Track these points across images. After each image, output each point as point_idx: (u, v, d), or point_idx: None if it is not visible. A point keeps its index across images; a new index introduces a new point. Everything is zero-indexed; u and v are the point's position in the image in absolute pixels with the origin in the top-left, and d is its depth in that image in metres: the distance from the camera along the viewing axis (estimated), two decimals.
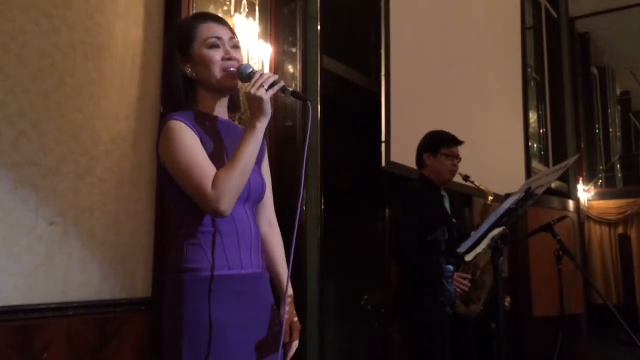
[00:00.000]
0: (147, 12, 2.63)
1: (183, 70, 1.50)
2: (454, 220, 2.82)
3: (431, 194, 2.83)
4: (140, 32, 2.59)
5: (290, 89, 1.46)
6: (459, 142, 2.86)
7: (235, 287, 1.45)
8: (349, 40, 4.15)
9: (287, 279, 1.54)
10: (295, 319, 1.59)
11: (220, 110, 1.56)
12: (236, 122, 1.69)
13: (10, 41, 2.12)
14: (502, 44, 5.89)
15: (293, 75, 3.27)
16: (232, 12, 2.97)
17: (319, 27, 3.41)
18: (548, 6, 7.76)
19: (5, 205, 2.06)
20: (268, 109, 1.42)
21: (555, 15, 7.86)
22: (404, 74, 3.96)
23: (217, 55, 1.49)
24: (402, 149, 3.82)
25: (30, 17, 2.18)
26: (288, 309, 1.55)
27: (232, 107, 1.62)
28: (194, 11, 2.73)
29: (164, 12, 2.70)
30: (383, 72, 3.77)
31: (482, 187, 2.87)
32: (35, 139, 2.16)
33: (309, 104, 1.46)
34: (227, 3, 2.97)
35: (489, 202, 2.93)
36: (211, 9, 2.86)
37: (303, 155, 3.18)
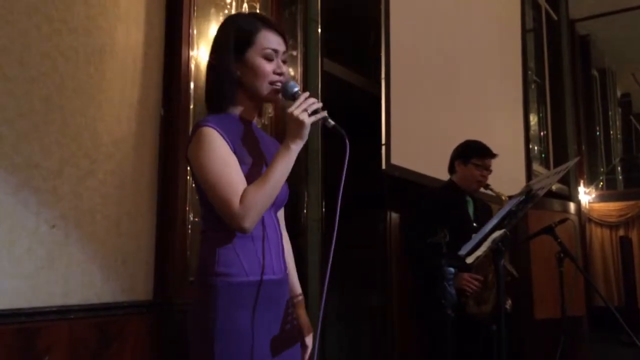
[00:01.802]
0: (148, 15, 2.63)
1: (232, 71, 1.48)
2: (475, 224, 2.83)
3: (454, 198, 2.87)
4: (141, 35, 2.59)
5: (332, 123, 1.45)
6: (492, 155, 2.90)
7: (269, 293, 1.45)
8: (349, 43, 4.15)
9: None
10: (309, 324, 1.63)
11: (252, 114, 1.57)
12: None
13: (11, 44, 2.12)
14: (502, 47, 5.90)
15: (294, 78, 3.28)
16: None
17: (319, 30, 3.42)
18: (548, 9, 7.77)
19: (6, 208, 2.06)
20: (306, 134, 1.41)
21: (555, 17, 7.86)
22: (405, 76, 3.96)
23: (269, 67, 1.48)
24: (402, 151, 3.82)
25: (31, 20, 2.19)
26: (303, 316, 1.61)
27: (259, 115, 1.63)
28: (196, 14, 2.73)
29: (165, 15, 2.70)
30: (383, 75, 3.78)
31: (501, 196, 2.91)
32: (36, 141, 2.16)
33: (347, 140, 1.44)
34: (229, 6, 2.97)
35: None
36: (212, 12, 2.87)
37: (304, 162, 3.18)
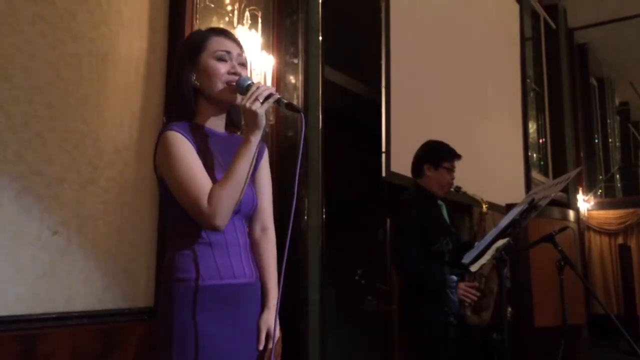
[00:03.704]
0: (151, 23, 2.65)
1: (189, 78, 1.52)
2: (453, 229, 2.82)
3: (429, 204, 2.82)
4: (144, 42, 2.61)
5: (285, 102, 1.47)
6: (459, 157, 2.87)
7: (227, 296, 1.46)
8: (350, 51, 4.18)
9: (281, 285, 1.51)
10: (274, 329, 1.53)
11: (218, 123, 1.58)
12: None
13: (16, 52, 2.14)
14: (501, 55, 5.93)
15: (295, 86, 3.29)
16: (235, 24, 2.99)
17: (320, 39, 3.44)
18: (547, 17, 7.81)
19: (9, 215, 2.07)
20: (262, 122, 1.43)
21: (554, 26, 7.90)
22: (404, 84, 3.99)
23: (222, 68, 1.51)
24: (402, 159, 3.83)
25: (36, 28, 2.20)
26: (265, 317, 1.54)
27: (232, 124, 1.63)
28: (198, 22, 2.75)
29: (168, 22, 2.72)
30: (383, 83, 3.80)
31: (475, 197, 2.88)
32: (39, 148, 2.18)
33: (302, 115, 1.48)
34: (230, 15, 3.00)
35: (484, 210, 2.94)
36: (214, 21, 2.89)
37: (305, 165, 3.19)
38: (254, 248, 1.60)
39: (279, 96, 1.46)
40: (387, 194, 4.30)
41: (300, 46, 3.33)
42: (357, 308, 4.40)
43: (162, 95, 2.65)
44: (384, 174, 3.71)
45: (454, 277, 2.37)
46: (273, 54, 3.21)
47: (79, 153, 2.31)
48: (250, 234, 1.60)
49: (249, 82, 1.48)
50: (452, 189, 2.85)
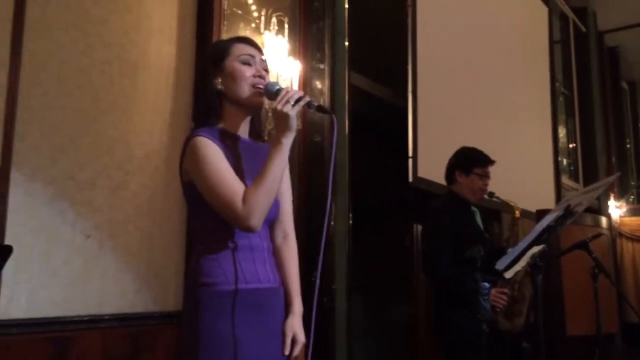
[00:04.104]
0: (180, 29, 2.68)
1: (214, 83, 1.53)
2: (486, 235, 2.78)
3: (462, 211, 2.80)
4: (173, 49, 2.64)
5: (316, 104, 1.50)
6: (492, 162, 2.84)
7: (253, 301, 1.46)
8: (376, 56, 4.17)
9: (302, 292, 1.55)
10: (300, 333, 1.56)
11: (243, 129, 1.58)
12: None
13: (49, 58, 2.18)
14: (529, 59, 5.85)
15: (321, 92, 3.29)
16: (262, 30, 3.01)
17: (346, 44, 3.44)
18: (576, 20, 7.68)
19: (43, 219, 2.11)
20: (294, 125, 1.44)
21: (583, 29, 7.77)
22: (431, 89, 3.96)
23: (248, 71, 1.53)
24: (429, 164, 3.80)
25: (68, 35, 2.25)
26: (290, 322, 1.54)
27: (255, 134, 1.63)
28: (225, 28, 2.78)
29: (196, 29, 2.75)
30: (410, 88, 3.78)
31: (510, 203, 2.84)
32: (72, 154, 2.21)
33: (334, 117, 1.49)
34: (257, 21, 3.02)
35: (517, 215, 2.89)
36: (241, 27, 2.91)
37: (333, 173, 3.18)
38: (276, 254, 1.61)
39: (309, 99, 1.47)
40: (414, 199, 4.27)
41: (327, 52, 3.33)
42: (384, 315, 4.37)
43: (190, 101, 2.67)
44: (410, 179, 3.68)
45: (487, 284, 2.33)
46: (299, 60, 3.22)
47: (110, 158, 2.34)
48: (272, 240, 1.61)
49: (278, 86, 1.49)
50: (485, 195, 2.83)
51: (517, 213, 2.89)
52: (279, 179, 1.44)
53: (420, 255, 4.53)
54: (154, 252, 2.46)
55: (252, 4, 3.00)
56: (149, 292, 2.42)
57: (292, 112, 1.43)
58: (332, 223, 3.19)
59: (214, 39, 2.71)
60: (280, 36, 3.07)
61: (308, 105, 1.47)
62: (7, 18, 2.07)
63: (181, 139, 2.64)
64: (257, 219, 1.40)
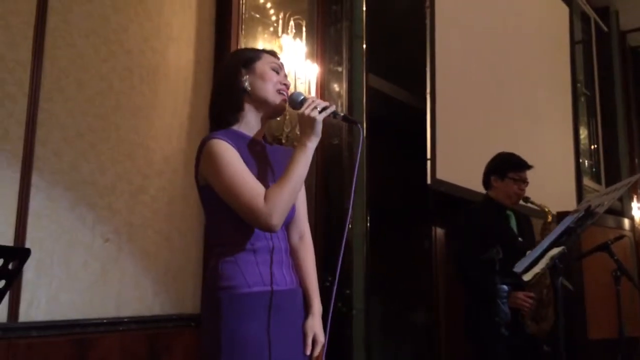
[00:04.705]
0: (199, 35, 2.71)
1: (240, 82, 1.54)
2: (520, 239, 2.77)
3: (495, 214, 2.81)
4: (192, 54, 2.66)
5: (342, 114, 1.53)
6: (528, 167, 2.83)
7: (272, 303, 1.47)
8: (394, 58, 4.16)
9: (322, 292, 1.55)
10: (320, 333, 1.56)
11: (259, 132, 1.59)
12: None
13: (70, 65, 2.22)
14: (551, 59, 5.78)
15: (339, 94, 3.30)
16: (280, 33, 3.03)
17: (364, 46, 3.43)
18: (598, 20, 7.57)
19: (64, 223, 2.14)
20: (319, 130, 1.47)
21: (605, 29, 7.65)
22: (450, 90, 3.93)
23: (275, 77, 1.57)
24: (448, 166, 3.78)
25: (89, 42, 2.28)
26: (310, 322, 1.55)
27: (270, 138, 1.67)
28: (243, 32, 2.80)
29: (215, 34, 2.77)
30: (428, 90, 3.76)
31: (545, 208, 2.83)
32: (93, 159, 2.25)
33: (360, 127, 1.52)
34: (275, 24, 3.03)
35: (549, 220, 2.87)
36: (259, 31, 2.93)
37: (349, 172, 3.19)
38: (293, 254, 1.61)
39: (335, 109, 1.50)
40: (433, 201, 4.25)
41: (345, 54, 3.33)
42: (403, 318, 4.34)
43: (209, 106, 2.69)
44: (429, 181, 3.66)
45: (505, 287, 2.32)
46: (317, 63, 3.23)
47: (130, 163, 2.37)
48: (289, 241, 1.61)
49: (303, 96, 1.53)
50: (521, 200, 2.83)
51: (549, 218, 2.87)
52: (302, 181, 1.46)
53: (440, 258, 4.51)
54: (172, 255, 2.48)
55: (270, 7, 3.01)
56: (167, 295, 2.44)
57: (319, 117, 1.46)
58: (350, 226, 3.18)
59: (232, 43, 2.73)
60: (298, 39, 3.08)
61: (334, 115, 1.50)
62: (30, 24, 2.11)
63: (199, 142, 2.68)
64: (278, 218, 1.41)
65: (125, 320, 2.28)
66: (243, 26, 2.82)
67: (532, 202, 2.85)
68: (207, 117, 2.62)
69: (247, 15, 2.86)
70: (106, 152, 2.29)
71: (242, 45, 2.77)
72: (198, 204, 2.59)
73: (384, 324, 4.14)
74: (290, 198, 1.43)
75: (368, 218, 3.30)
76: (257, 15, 2.94)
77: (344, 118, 1.55)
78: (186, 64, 2.64)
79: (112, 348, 2.21)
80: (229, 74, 1.58)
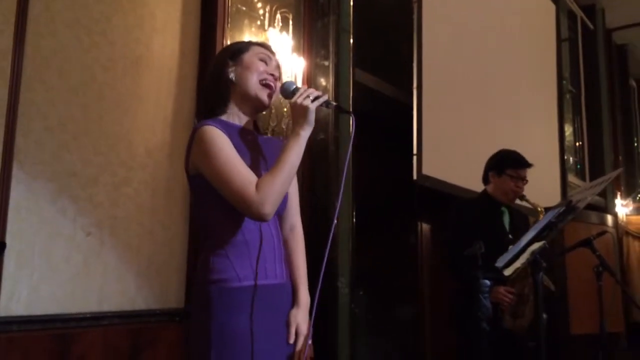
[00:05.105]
0: (184, 26, 2.68)
1: (227, 72, 1.53)
2: (510, 236, 2.78)
3: (489, 209, 2.82)
4: (176, 46, 2.64)
5: (335, 103, 1.52)
6: (527, 165, 2.84)
7: (263, 297, 1.45)
8: (381, 53, 4.15)
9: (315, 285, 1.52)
10: (303, 326, 1.54)
11: (247, 122, 1.58)
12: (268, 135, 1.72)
13: (52, 55, 2.18)
14: (537, 56, 5.81)
15: (325, 88, 3.28)
16: (267, 27, 3.00)
17: (351, 41, 3.42)
18: (584, 18, 7.62)
19: (45, 215, 2.11)
20: (312, 119, 1.45)
21: (591, 27, 7.71)
22: (436, 86, 3.93)
23: (262, 67, 1.55)
24: (434, 161, 3.78)
25: (72, 32, 2.25)
26: (294, 313, 1.54)
27: (257, 130, 1.64)
28: (229, 25, 2.77)
29: (200, 26, 2.75)
30: (415, 85, 3.75)
31: (537, 207, 2.84)
32: (75, 150, 2.21)
33: (353, 116, 1.49)
34: (262, 18, 3.01)
35: (540, 219, 2.89)
36: (245, 24, 2.90)
37: (335, 168, 3.18)
38: (283, 245, 1.60)
39: (327, 98, 1.48)
40: (419, 197, 4.25)
41: (331, 48, 3.32)
42: (388, 314, 4.36)
43: (193, 98, 2.67)
44: (415, 177, 3.66)
45: (487, 282, 2.33)
46: (304, 56, 3.21)
47: (113, 155, 2.34)
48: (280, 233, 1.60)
49: (295, 86, 1.51)
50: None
51: (541, 216, 2.89)
52: (294, 170, 1.44)
53: (425, 254, 4.52)
54: (155, 249, 2.46)
55: (257, 1, 2.99)
56: (151, 289, 2.42)
57: (312, 106, 1.44)
58: (336, 221, 3.17)
59: (218, 36, 2.70)
60: (284, 33, 3.06)
61: (327, 104, 1.48)
62: (11, 12, 2.07)
63: (183, 135, 2.67)
64: (270, 207, 1.39)
65: (108, 314, 2.26)
66: (229, 19, 2.79)
67: (527, 200, 2.87)
68: (192, 109, 2.65)
69: (233, 9, 2.83)
70: (89, 144, 2.26)
71: (228, 38, 2.74)
72: (182, 197, 2.59)
73: (369, 318, 4.15)
74: (282, 187, 1.41)
75: (354, 213, 3.29)
76: (244, 8, 2.91)
77: (337, 107, 1.54)
78: (171, 55, 2.61)
79: (94, 343, 2.19)
80: (217, 66, 1.57)
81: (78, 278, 2.18)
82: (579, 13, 7.54)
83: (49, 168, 2.13)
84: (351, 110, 3.29)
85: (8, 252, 1.98)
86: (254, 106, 1.56)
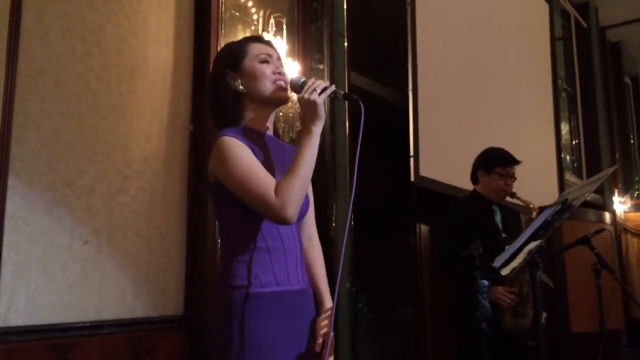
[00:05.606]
0: (178, 33, 2.68)
1: (233, 85, 1.52)
2: (504, 235, 2.78)
3: (480, 208, 2.81)
4: (170, 53, 2.63)
5: (342, 92, 1.48)
6: (515, 162, 2.82)
7: (284, 303, 1.45)
8: (376, 55, 4.16)
9: (332, 292, 1.53)
10: (331, 332, 1.54)
11: (268, 126, 1.57)
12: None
13: (46, 65, 2.18)
14: (531, 56, 5.83)
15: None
16: (260, 31, 3.01)
17: (346, 44, 3.42)
18: (578, 16, 7.65)
19: (41, 225, 2.10)
20: (322, 112, 1.43)
21: (585, 25, 7.74)
22: (432, 87, 3.94)
23: (267, 69, 1.52)
24: (431, 163, 3.79)
25: (65, 41, 2.24)
26: (324, 322, 1.53)
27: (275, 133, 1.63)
28: (223, 31, 2.77)
29: (194, 33, 2.74)
30: (411, 87, 3.76)
31: (530, 204, 2.84)
32: (70, 160, 2.21)
33: (362, 105, 1.46)
34: (255, 22, 3.01)
35: (533, 216, 2.89)
36: (239, 29, 2.91)
37: (332, 174, 3.18)
38: (304, 255, 1.59)
39: (335, 88, 1.45)
40: (417, 198, 4.25)
41: (326, 52, 3.32)
42: (389, 315, 4.35)
43: (188, 104, 2.67)
44: (412, 179, 3.67)
45: (485, 282, 2.33)
46: (298, 61, 3.21)
47: (109, 163, 2.34)
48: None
49: (303, 79, 1.48)
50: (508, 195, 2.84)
51: (534, 214, 2.89)
52: (311, 168, 1.42)
53: (425, 255, 4.52)
54: (153, 256, 2.45)
55: (251, 6, 2.99)
56: (149, 297, 2.41)
57: (319, 99, 1.41)
58: (334, 224, 3.17)
59: (212, 41, 2.70)
60: (278, 37, 3.07)
61: (335, 94, 1.45)
62: (4, 24, 2.07)
63: (179, 142, 2.67)
64: (292, 209, 1.37)
65: (107, 323, 2.25)
66: (223, 24, 2.79)
67: (518, 198, 2.86)
68: (187, 115, 2.65)
69: (227, 14, 2.83)
70: (84, 153, 2.25)
71: (222, 44, 2.74)
72: (179, 203, 2.58)
73: (370, 320, 4.14)
74: (302, 188, 1.39)
75: (352, 216, 3.29)
76: (237, 13, 2.92)
77: (345, 96, 1.49)
78: (165, 62, 2.61)
79: (93, 352, 2.18)
80: (218, 81, 1.55)
81: (76, 287, 2.18)
82: (572, 12, 7.57)
83: (44, 178, 2.13)
84: (345, 115, 3.31)
85: (5, 263, 1.98)
86: (273, 105, 1.56)
